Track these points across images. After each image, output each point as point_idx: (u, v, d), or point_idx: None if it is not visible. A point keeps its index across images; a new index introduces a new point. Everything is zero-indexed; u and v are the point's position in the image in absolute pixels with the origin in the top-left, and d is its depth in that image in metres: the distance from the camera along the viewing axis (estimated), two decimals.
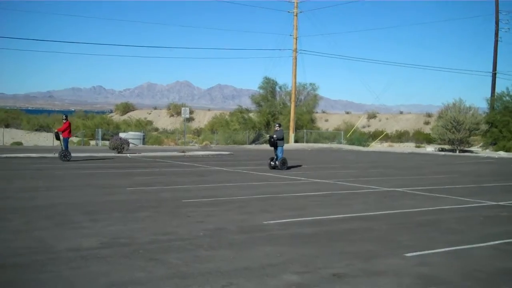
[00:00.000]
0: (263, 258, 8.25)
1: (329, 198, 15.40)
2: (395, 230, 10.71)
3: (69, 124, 26.83)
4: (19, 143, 49.10)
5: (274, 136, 24.04)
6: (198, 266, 7.67)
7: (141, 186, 16.97)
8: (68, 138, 26.70)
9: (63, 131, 26.24)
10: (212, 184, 18.20)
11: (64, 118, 27.08)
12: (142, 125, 74.88)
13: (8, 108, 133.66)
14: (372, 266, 7.92)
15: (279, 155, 23.94)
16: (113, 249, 8.56)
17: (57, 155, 27.57)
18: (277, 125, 25.11)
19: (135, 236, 9.54)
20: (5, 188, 15.75)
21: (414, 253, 8.69)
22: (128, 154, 31.07)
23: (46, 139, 61.51)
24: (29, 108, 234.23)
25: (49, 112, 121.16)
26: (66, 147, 26.38)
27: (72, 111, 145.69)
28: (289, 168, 24.22)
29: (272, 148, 24.35)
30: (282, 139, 24.25)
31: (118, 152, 31.34)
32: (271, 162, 24.14)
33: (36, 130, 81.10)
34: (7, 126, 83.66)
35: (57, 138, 27.03)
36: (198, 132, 74.10)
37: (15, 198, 13.76)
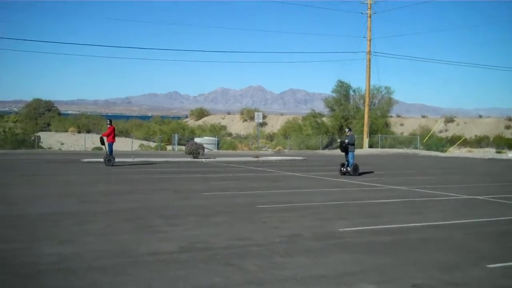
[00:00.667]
0: (340, 266, 8.17)
1: (405, 205, 15.06)
2: (476, 240, 10.33)
3: (113, 129, 27.25)
4: (100, 148, 51.00)
5: (346, 141, 23.55)
6: (275, 273, 7.69)
7: (217, 191, 17.22)
8: (112, 143, 26.95)
9: (107, 136, 26.66)
10: (286, 189, 18.21)
11: (108, 123, 27.69)
12: (216, 130, 76.07)
13: (89, 113, 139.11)
14: (453, 277, 7.67)
15: (351, 160, 23.51)
16: (191, 253, 8.73)
17: (134, 159, 28.43)
18: (348, 129, 24.76)
19: (212, 241, 9.68)
20: (86, 192, 16.39)
21: (497, 265, 8.35)
22: (203, 159, 31.62)
23: (125, 144, 63.58)
24: (108, 114, 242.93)
25: (127, 117, 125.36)
26: (111, 152, 26.64)
27: (149, 116, 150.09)
28: (360, 174, 23.76)
29: (343, 153, 23.96)
30: (354, 144, 23.90)
31: (194, 157, 31.95)
32: (342, 168, 23.66)
33: (116, 135, 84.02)
34: (88, 131, 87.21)
35: (102, 143, 27.41)
36: (271, 137, 74.42)
37: (97, 202, 14.29)
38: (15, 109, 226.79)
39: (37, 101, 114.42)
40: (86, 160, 28.90)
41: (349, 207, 14.29)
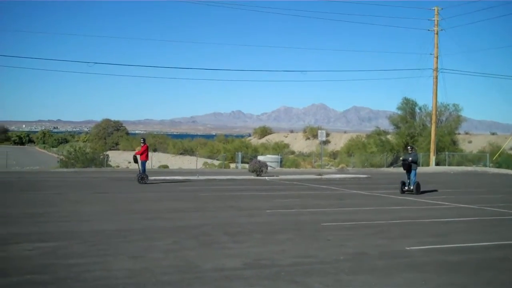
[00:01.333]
0: (407, 285, 8.01)
1: (475, 224, 14.60)
2: None
3: (147, 147, 27.29)
4: (166, 166, 52.15)
5: (410, 158, 23.28)
6: None
7: (280, 208, 17.24)
8: (145, 161, 26.98)
9: (141, 154, 26.67)
10: (350, 207, 18.02)
11: (142, 141, 27.85)
12: (279, 148, 76.17)
13: (155, 133, 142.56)
14: None
15: (413, 178, 23.11)
16: (256, 270, 8.77)
17: (198, 177, 28.84)
18: (409, 147, 24.56)
19: (276, 258, 9.70)
20: (153, 209, 16.75)
21: None
22: (266, 177, 31.72)
23: (190, 162, 64.69)
24: (174, 133, 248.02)
25: (193, 136, 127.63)
26: (144, 170, 26.67)
27: (214, 135, 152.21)
28: (423, 192, 23.06)
29: (405, 171, 23.59)
30: (417, 162, 23.69)
31: (257, 175, 32.10)
32: (403, 187, 23.13)
33: (181, 153, 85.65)
34: (154, 150, 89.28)
35: (135, 161, 27.37)
36: (334, 155, 73.81)
37: (164, 219, 14.59)
38: (85, 129, 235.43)
39: (106, 121, 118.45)
40: (152, 178, 29.56)
41: (415, 226, 13.99)
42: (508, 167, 48.38)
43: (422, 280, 8.30)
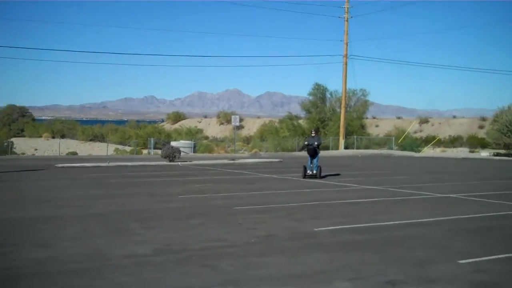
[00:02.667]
0: (315, 264, 8.24)
1: (380, 204, 15.23)
2: (449, 237, 10.51)
3: None
4: (74, 153, 50.58)
5: (315, 143, 22.93)
6: (250, 273, 7.73)
7: (193, 194, 17.20)
8: None
9: None
10: (262, 191, 18.27)
11: None
12: (192, 134, 75.72)
13: (63, 119, 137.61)
14: (426, 273, 7.80)
15: (316, 163, 22.90)
16: (167, 256, 8.72)
17: (108, 164, 28.20)
18: (313, 131, 24.16)
19: (188, 243, 9.68)
20: (62, 196, 16.23)
21: (469, 260, 8.51)
22: (179, 163, 31.51)
23: (100, 149, 63.15)
24: (84, 119, 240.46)
25: (103, 122, 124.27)
26: None
27: (125, 121, 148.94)
28: (324, 176, 22.90)
29: (309, 156, 23.14)
30: (319, 146, 23.43)
31: (170, 161, 31.82)
32: (307, 171, 22.88)
33: (91, 140, 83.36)
34: (62, 136, 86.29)
35: None
36: (247, 140, 74.41)
37: (72, 207, 14.17)
38: None
39: (11, 107, 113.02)
40: (60, 165, 28.60)
41: (324, 207, 14.40)
42: (411, 150, 50.82)
43: (329, 259, 8.57)
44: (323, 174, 23.15)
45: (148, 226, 11.33)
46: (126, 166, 29.33)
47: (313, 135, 23.59)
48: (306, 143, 23.70)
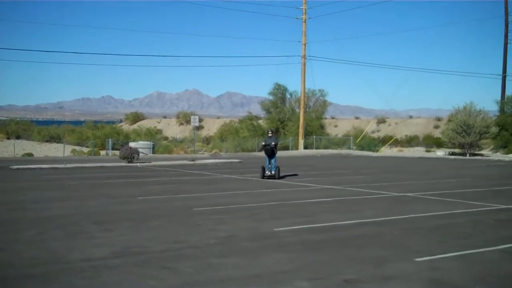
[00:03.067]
0: (274, 265, 8.28)
1: (338, 204, 15.41)
2: (405, 235, 10.71)
3: None
4: (30, 154, 49.41)
5: (273, 143, 22.66)
6: (210, 274, 7.72)
7: (152, 195, 17.06)
8: None
9: None
10: (222, 192, 18.25)
11: None
12: (151, 134, 75.01)
13: (18, 119, 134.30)
14: (383, 271, 7.93)
15: (274, 163, 22.77)
16: (125, 258, 8.63)
17: (66, 165, 27.73)
18: (269, 131, 23.81)
19: (147, 245, 9.60)
20: (17, 199, 15.89)
21: (425, 258, 8.69)
22: (138, 164, 31.21)
23: (57, 150, 61.87)
24: (39, 119, 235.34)
25: (60, 122, 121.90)
26: None
27: (82, 121, 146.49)
28: (283, 177, 22.93)
29: (266, 156, 22.97)
30: (276, 146, 23.14)
31: (128, 162, 31.48)
32: (266, 172, 22.75)
33: (47, 141, 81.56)
34: (17, 137, 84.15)
35: None
36: (207, 140, 74.15)
37: (28, 209, 13.88)
38: None
39: None
40: (15, 167, 27.96)
41: (284, 207, 14.49)
42: (369, 149, 51.59)
43: (288, 259, 8.63)
44: (282, 174, 23.23)
45: (106, 229, 11.18)
46: (84, 167, 28.90)
47: (270, 135, 23.30)
48: (263, 143, 23.51)
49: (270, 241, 10.05)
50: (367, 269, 8.03)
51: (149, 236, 10.39)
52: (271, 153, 22.80)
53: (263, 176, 22.68)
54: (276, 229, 11.18)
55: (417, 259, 8.62)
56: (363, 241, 10.11)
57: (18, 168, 27.50)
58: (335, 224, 11.89)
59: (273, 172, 22.67)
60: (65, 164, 29.52)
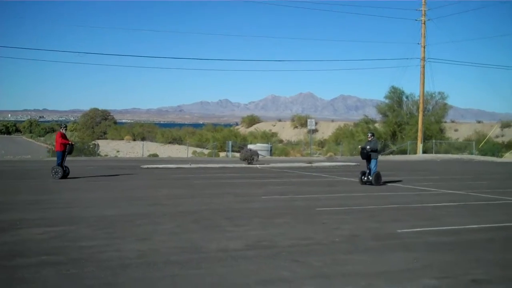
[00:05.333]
0: (400, 263, 8.58)
1: (462, 208, 15.24)
2: None
3: (61, 135, 22.67)
4: (155, 155, 52.42)
5: (368, 147, 21.54)
6: (338, 268, 8.18)
7: (275, 195, 17.78)
8: (60, 151, 22.39)
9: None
10: (341, 193, 18.60)
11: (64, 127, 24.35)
12: (267, 137, 76.69)
13: (143, 122, 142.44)
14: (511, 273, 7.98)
15: (373, 168, 21.55)
16: (257, 251, 9.31)
17: (190, 165, 29.29)
18: (370, 134, 22.43)
19: (276, 240, 10.24)
20: (152, 195, 17.24)
21: None
22: (257, 165, 32.25)
23: (179, 151, 65.00)
24: (161, 122, 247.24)
25: (180, 125, 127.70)
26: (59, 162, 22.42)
27: (201, 124, 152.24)
28: (384, 183, 21.78)
29: (365, 160, 21.88)
30: (377, 150, 21.97)
31: (248, 163, 32.63)
32: (363, 177, 21.72)
33: (169, 142, 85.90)
34: (143, 139, 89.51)
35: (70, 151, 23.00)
36: (322, 144, 74.50)
37: (163, 205, 15.07)
38: (72, 118, 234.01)
39: (94, 111, 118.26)
40: (145, 166, 30.00)
41: (405, 210, 14.59)
42: (493, 155, 49.35)
43: (414, 258, 8.88)
44: (386, 180, 22.36)
45: (236, 224, 11.98)
46: (207, 167, 30.37)
47: (369, 139, 21.97)
48: (360, 147, 22.51)
49: (393, 241, 10.32)
50: (495, 271, 8.11)
51: (277, 232, 11.02)
52: (366, 157, 21.72)
53: (361, 181, 21.72)
54: (399, 231, 11.41)
55: None
56: (490, 245, 10.10)
57: (148, 168, 29.47)
58: (460, 228, 11.88)
59: (370, 178, 21.52)
60: (190, 164, 31.19)
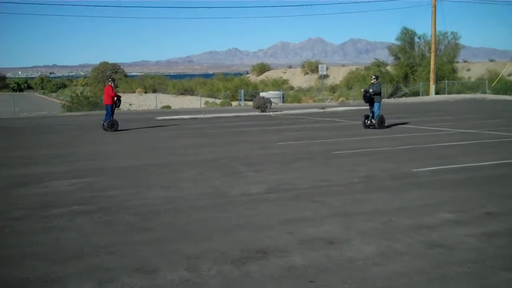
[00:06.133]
0: (417, 200, 8.92)
1: (475, 147, 15.49)
2: None
3: (108, 88, 23.24)
4: (168, 107, 52.73)
5: (370, 90, 21.30)
6: (358, 206, 8.55)
7: (291, 140, 18.10)
8: (109, 105, 22.98)
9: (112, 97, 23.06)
10: (356, 137, 18.86)
11: (111, 81, 24.17)
12: (278, 84, 76.49)
13: (153, 74, 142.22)
14: None
15: (376, 112, 21.39)
16: (279, 193, 9.69)
17: (204, 115, 29.61)
18: (373, 77, 22.23)
19: (296, 183, 10.60)
20: (170, 146, 17.62)
21: None
22: (271, 113, 32.49)
23: (191, 102, 65.25)
24: (171, 74, 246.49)
25: (191, 76, 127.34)
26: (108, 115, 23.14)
27: (211, 74, 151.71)
28: (388, 127, 21.66)
29: (368, 104, 21.83)
30: (379, 93, 21.69)
31: (262, 111, 32.86)
32: (366, 120, 21.57)
33: (181, 94, 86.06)
34: (154, 91, 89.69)
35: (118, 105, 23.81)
36: (333, 89, 74.27)
37: (183, 154, 15.47)
38: (82, 73, 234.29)
39: (104, 65, 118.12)
40: (160, 118, 30.35)
41: (420, 150, 14.88)
42: (506, 93, 49.11)
43: (430, 195, 9.22)
44: (391, 122, 22.38)
45: (256, 169, 12.35)
46: (221, 117, 30.67)
47: (372, 81, 21.84)
48: (363, 90, 22.07)
49: (409, 180, 10.65)
50: (508, 204, 8.44)
51: (296, 176, 11.38)
52: (369, 100, 21.54)
53: (365, 125, 21.63)
54: (415, 170, 11.72)
55: None
56: (502, 180, 10.40)
57: (163, 119, 29.81)
58: (473, 165, 12.17)
59: (373, 121, 21.39)
60: (204, 114, 31.49)
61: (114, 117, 23.25)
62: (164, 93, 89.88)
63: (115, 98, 23.09)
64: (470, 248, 6.43)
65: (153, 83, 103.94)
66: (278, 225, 7.58)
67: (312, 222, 7.72)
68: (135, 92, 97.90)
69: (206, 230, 7.44)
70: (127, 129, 23.69)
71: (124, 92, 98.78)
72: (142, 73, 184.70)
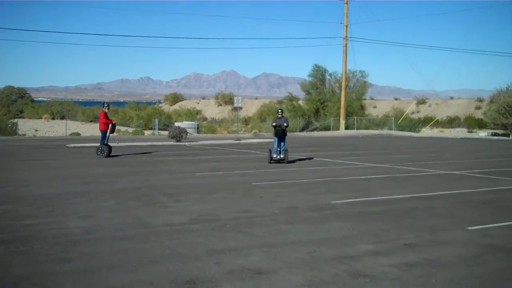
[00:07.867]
0: (338, 231, 9.14)
1: (388, 180, 16.13)
2: (456, 208, 11.44)
3: (103, 114, 23.43)
4: (77, 134, 51.20)
5: (285, 124, 20.96)
6: (282, 237, 8.63)
7: (209, 171, 18.06)
8: (103, 130, 23.13)
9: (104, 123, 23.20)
10: (274, 169, 19.11)
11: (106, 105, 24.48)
12: (192, 115, 76.41)
13: (61, 100, 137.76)
14: (439, 237, 8.72)
15: (283, 146, 21.14)
16: (202, 224, 9.60)
17: (118, 144, 29.03)
18: (279, 111, 21.73)
19: (218, 213, 10.56)
20: (86, 174, 17.06)
21: (477, 227, 9.45)
22: (186, 143, 32.35)
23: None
24: (80, 100, 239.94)
25: (100, 103, 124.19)
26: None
27: (122, 102, 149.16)
28: (292, 161, 21.56)
29: (277, 138, 21.13)
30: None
31: (177, 141, 32.66)
32: (274, 155, 21.07)
33: (91, 121, 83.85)
34: (62, 117, 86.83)
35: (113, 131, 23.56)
36: (246, 121, 75.16)
37: (100, 183, 15.00)
38: None
39: (9, 88, 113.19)
40: (72, 145, 29.39)
41: (336, 183, 15.30)
42: (410, 130, 51.76)
43: (350, 226, 9.47)
44: (304, 156, 22.80)
45: (177, 199, 12.20)
46: (136, 146, 30.15)
47: (279, 116, 21.31)
48: (273, 124, 21.44)
49: (329, 212, 10.90)
50: (424, 236, 8.82)
51: (218, 206, 11.35)
52: (282, 134, 21.07)
53: (271, 160, 21.06)
54: (334, 202, 12.03)
55: (470, 228, 9.38)
56: (417, 213, 10.88)
57: (74, 147, 28.89)
58: (387, 198, 12.66)
59: (282, 156, 21.01)
60: (118, 142, 30.83)
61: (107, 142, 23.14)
62: (73, 120, 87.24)
63: (110, 125, 23.11)
64: (393, 278, 6.65)
65: (61, 109, 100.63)
66: (205, 256, 7.50)
67: (238, 252, 7.71)
68: (41, 117, 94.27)
69: (131, 260, 7.23)
70: (37, 159, 22.70)
71: (30, 118, 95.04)
72: (49, 99, 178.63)
